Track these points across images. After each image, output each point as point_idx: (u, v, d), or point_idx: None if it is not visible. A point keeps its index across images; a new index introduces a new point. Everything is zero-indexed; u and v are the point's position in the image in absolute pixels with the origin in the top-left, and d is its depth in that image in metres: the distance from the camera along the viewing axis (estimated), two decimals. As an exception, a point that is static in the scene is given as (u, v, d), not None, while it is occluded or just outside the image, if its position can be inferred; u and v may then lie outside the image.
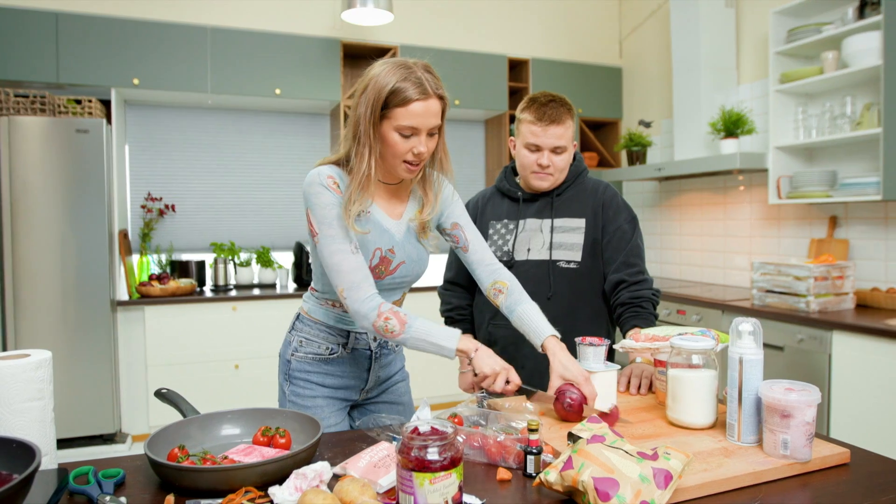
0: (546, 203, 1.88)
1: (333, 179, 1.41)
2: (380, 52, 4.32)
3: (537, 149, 1.81)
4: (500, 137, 4.67)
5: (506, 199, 1.95)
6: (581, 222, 1.84)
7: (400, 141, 1.36)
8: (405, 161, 1.39)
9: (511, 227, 1.90)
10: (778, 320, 2.92)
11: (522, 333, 1.54)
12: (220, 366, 3.70)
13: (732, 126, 3.59)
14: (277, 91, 3.98)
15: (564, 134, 1.79)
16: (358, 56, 4.39)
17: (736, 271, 3.97)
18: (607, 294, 1.84)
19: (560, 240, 1.83)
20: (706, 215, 4.20)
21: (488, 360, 1.37)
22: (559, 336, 1.50)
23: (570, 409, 1.37)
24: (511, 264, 1.85)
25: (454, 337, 1.37)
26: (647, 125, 4.50)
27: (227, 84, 3.87)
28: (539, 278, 1.82)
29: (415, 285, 3.84)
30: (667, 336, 1.46)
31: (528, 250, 1.85)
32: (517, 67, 4.75)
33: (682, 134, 4.03)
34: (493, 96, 4.51)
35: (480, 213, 1.98)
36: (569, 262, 1.82)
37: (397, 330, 1.36)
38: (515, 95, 4.77)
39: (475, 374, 1.40)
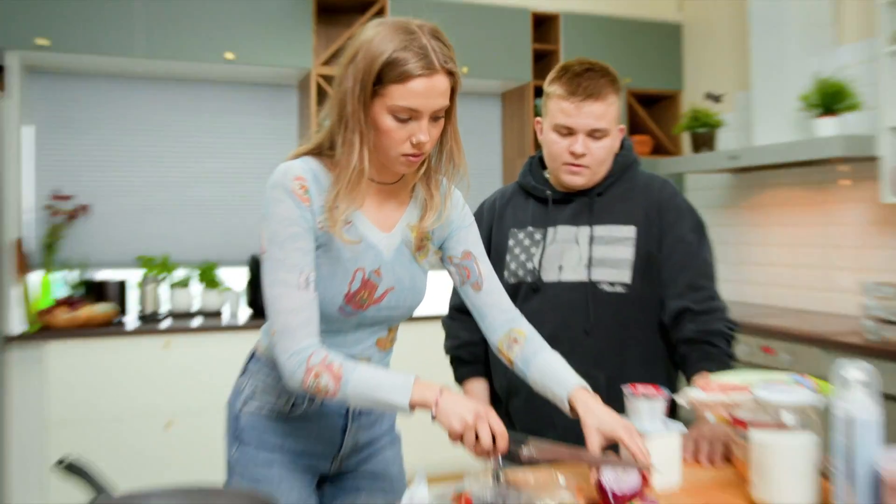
0: (583, 205, 1.89)
1: (303, 182, 1.43)
2: (363, 5, 4.33)
3: (569, 132, 1.82)
4: (523, 117, 4.67)
5: (531, 200, 1.97)
6: (630, 231, 1.85)
7: (395, 126, 1.39)
8: (402, 153, 1.42)
9: (537, 237, 1.91)
10: (898, 361, 2.91)
11: (541, 391, 1.55)
12: (146, 423, 3.68)
13: (831, 100, 3.58)
14: (229, 55, 3.99)
15: (605, 113, 1.80)
16: (335, 10, 4.40)
17: (840, 294, 3.94)
18: (667, 327, 1.84)
19: (602, 254, 1.84)
20: (798, 219, 4.18)
21: (456, 409, 1.34)
22: (588, 387, 1.51)
23: (617, 499, 1.35)
24: (536, 287, 1.86)
25: (406, 387, 1.36)
26: (717, 99, 4.49)
27: (162, 46, 3.88)
28: (574, 306, 1.83)
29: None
30: (747, 385, 1.45)
31: (560, 268, 1.86)
32: (544, 24, 4.75)
33: (763, 111, 4.02)
34: (512, 62, 4.51)
35: (498, 218, 2.00)
36: (614, 283, 1.83)
37: (332, 388, 1.38)
38: (542, 61, 4.76)
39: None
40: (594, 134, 1.81)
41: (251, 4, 4.04)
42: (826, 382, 1.43)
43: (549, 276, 1.86)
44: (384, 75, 1.36)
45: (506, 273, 1.92)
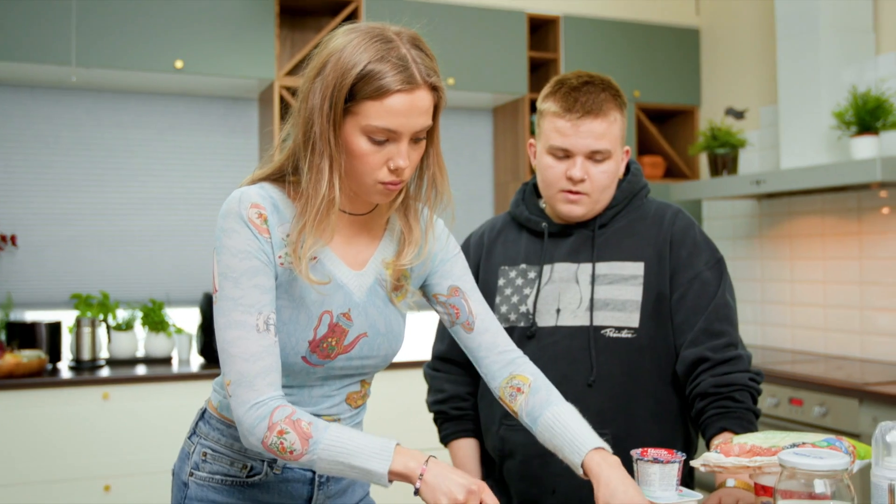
0: (584, 239, 1.91)
1: (260, 211, 1.43)
2: (333, 7, 4.35)
3: (566, 155, 1.83)
4: (517, 135, 4.69)
5: (524, 234, 1.98)
6: (638, 268, 1.86)
7: (370, 149, 1.39)
8: (379, 180, 1.42)
9: (532, 275, 1.92)
10: (946, 415, 2.91)
11: (553, 450, 1.53)
12: (82, 486, 3.63)
13: (869, 117, 3.61)
14: (178, 64, 3.99)
15: (607, 132, 1.82)
16: (301, 12, 4.42)
17: (879, 338, 3.96)
18: (681, 379, 1.84)
19: (607, 295, 1.85)
20: (831, 252, 4.21)
21: (444, 484, 1.33)
22: (609, 448, 1.49)
23: None
24: (531, 333, 1.87)
25: (385, 454, 1.35)
26: (740, 116, 4.52)
27: (101, 53, 3.88)
28: (575, 355, 1.83)
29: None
30: (774, 448, 1.45)
31: (558, 311, 1.87)
32: (542, 29, 4.79)
33: (791, 129, 4.05)
34: (505, 72, 4.53)
35: (486, 254, 2.01)
36: (620, 328, 1.83)
37: (298, 449, 1.37)
38: (539, 71, 4.79)
39: None
40: (594, 156, 1.82)
41: (204, 5, 4.04)
42: (864, 445, 1.45)
43: (545, 320, 1.87)
44: (358, 90, 1.36)
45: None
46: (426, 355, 3.62)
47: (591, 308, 1.84)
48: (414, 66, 1.37)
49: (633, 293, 1.84)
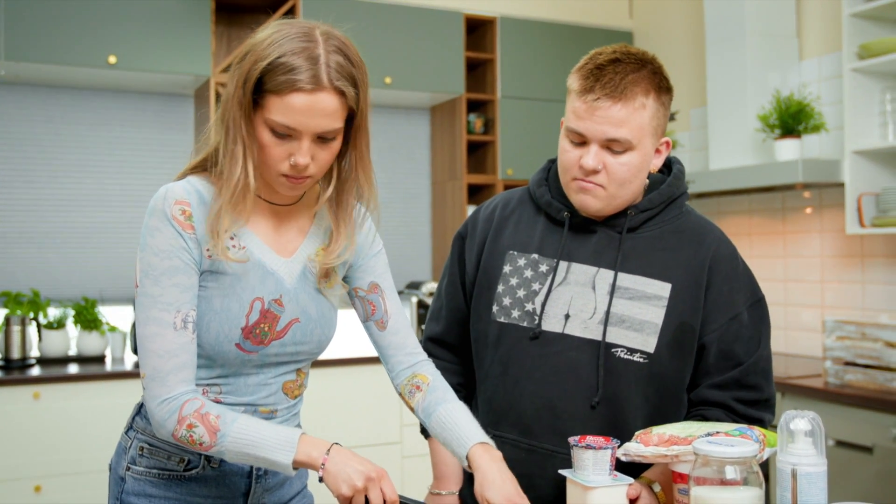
0: (609, 241, 1.72)
1: (184, 207, 1.45)
2: (271, 2, 4.30)
3: (581, 141, 1.64)
4: (454, 134, 4.71)
5: (541, 218, 1.79)
6: (664, 289, 1.68)
7: (273, 142, 1.41)
8: (281, 172, 1.44)
9: (543, 268, 1.73)
10: (863, 407, 2.99)
11: (443, 445, 1.58)
12: (11, 487, 3.58)
13: (791, 120, 3.70)
14: (112, 59, 3.94)
15: (628, 119, 1.60)
16: (238, 9, 4.40)
17: (802, 333, 4.05)
18: (689, 398, 1.74)
19: (624, 311, 1.67)
20: (757, 250, 4.29)
21: (345, 471, 1.38)
22: (492, 444, 1.53)
23: None
24: (535, 335, 1.70)
25: (290, 445, 1.40)
26: (671, 117, 4.58)
27: (31, 47, 3.82)
28: (580, 370, 1.67)
29: (351, 355, 3.87)
30: (690, 437, 1.47)
31: (567, 317, 1.69)
32: (479, 30, 4.82)
33: (719, 131, 4.13)
34: (443, 72, 4.56)
35: (495, 232, 1.82)
36: (633, 351, 1.66)
37: (207, 441, 1.41)
38: (476, 70, 4.83)
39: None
40: (611, 146, 1.61)
41: (139, 0, 4.00)
42: (773, 433, 1.48)
43: (551, 324, 1.69)
44: (264, 83, 1.38)
45: (494, 308, 1.75)
46: (358, 352, 3.64)
47: (606, 321, 1.66)
48: (324, 67, 1.37)
49: (654, 315, 1.66)
